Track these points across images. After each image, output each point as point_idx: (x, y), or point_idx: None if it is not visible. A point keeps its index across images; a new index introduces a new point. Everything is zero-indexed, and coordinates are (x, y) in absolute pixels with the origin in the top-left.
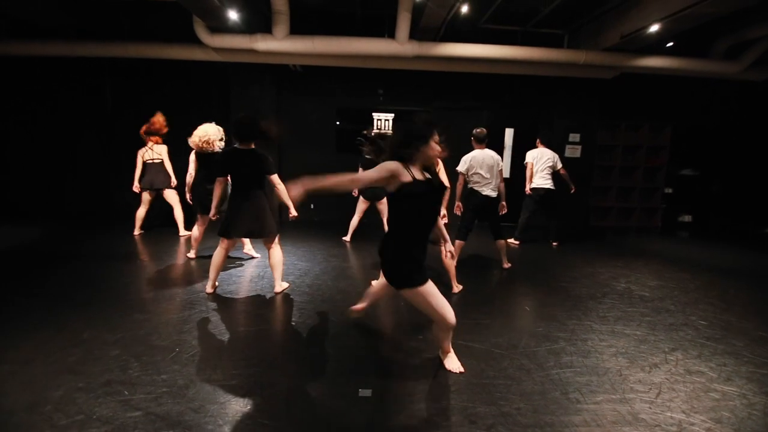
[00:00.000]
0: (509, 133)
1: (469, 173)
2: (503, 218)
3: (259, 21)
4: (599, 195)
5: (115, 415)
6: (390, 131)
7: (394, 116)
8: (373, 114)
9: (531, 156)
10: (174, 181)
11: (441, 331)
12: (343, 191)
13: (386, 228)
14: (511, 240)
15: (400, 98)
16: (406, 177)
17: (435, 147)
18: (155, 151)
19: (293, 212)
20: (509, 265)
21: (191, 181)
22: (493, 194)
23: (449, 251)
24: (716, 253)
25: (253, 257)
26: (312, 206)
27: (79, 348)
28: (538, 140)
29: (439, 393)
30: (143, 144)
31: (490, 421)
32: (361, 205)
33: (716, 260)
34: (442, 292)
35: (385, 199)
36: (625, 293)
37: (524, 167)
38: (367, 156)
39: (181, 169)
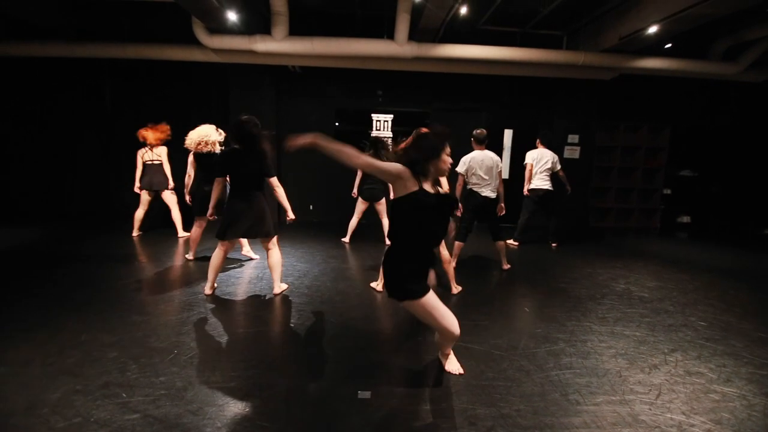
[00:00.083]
0: (508, 134)
1: (469, 174)
2: (503, 219)
3: (258, 22)
4: (598, 196)
5: (113, 417)
6: (386, 136)
7: (393, 116)
8: (372, 115)
9: (531, 157)
10: (171, 183)
11: (445, 340)
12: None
13: (387, 241)
14: (511, 241)
15: (399, 99)
16: (413, 186)
17: (447, 160)
18: (155, 152)
19: (291, 215)
20: (509, 266)
21: (190, 183)
22: (493, 195)
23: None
24: (715, 254)
25: (251, 259)
26: (311, 207)
27: (77, 350)
28: (538, 141)
29: (439, 395)
30: (143, 144)
31: (489, 422)
32: (360, 206)
33: (715, 261)
34: (441, 294)
35: (383, 200)
36: (624, 294)
37: (523, 168)
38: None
39: (180, 171)
